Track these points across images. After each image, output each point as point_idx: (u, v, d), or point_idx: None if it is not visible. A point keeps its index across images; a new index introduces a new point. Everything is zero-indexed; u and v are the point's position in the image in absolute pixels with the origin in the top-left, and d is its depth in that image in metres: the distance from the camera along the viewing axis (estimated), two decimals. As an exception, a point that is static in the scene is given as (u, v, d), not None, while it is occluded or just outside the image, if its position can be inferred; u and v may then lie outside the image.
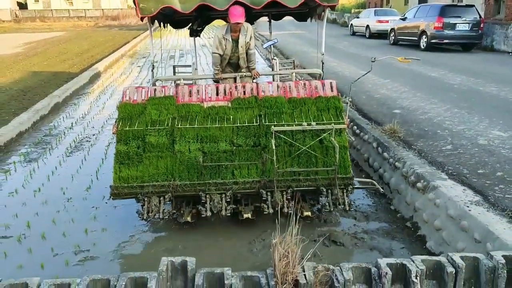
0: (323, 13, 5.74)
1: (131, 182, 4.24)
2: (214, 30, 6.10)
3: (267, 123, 4.49)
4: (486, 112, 7.15)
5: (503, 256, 2.56)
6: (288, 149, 4.37)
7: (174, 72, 7.17)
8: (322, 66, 5.67)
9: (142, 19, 5.19)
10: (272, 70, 6.64)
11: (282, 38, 20.85)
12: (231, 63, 5.81)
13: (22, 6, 58.18)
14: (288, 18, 7.51)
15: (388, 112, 7.47)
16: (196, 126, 4.47)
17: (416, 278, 2.45)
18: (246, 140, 4.45)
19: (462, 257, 2.58)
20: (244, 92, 4.87)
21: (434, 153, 5.40)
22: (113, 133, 4.57)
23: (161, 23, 6.47)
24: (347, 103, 5.33)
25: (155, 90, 4.89)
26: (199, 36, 7.43)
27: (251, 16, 6.80)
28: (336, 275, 2.50)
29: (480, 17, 15.39)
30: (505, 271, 2.49)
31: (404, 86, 9.50)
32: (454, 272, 2.49)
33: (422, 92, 8.90)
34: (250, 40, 5.55)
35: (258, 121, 4.55)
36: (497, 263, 2.52)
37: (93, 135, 8.02)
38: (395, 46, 18.11)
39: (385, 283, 2.46)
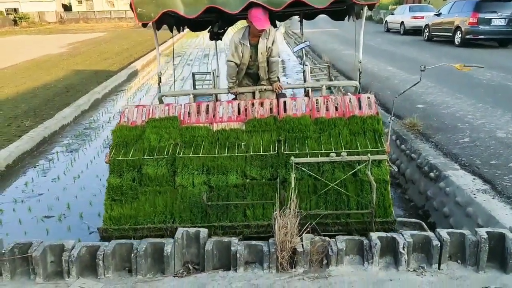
0: (361, 11, 5.04)
1: (123, 223, 3.61)
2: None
3: (287, 152, 3.76)
4: (510, 107, 7.16)
5: (486, 232, 2.76)
6: (312, 183, 3.60)
7: (194, 80, 6.61)
8: (359, 76, 4.94)
9: (144, 25, 4.58)
10: (304, 77, 6.05)
11: (314, 36, 21.05)
12: (249, 74, 5.11)
13: (67, 8, 60.76)
14: (321, 15, 6.67)
15: (411, 106, 7.59)
16: (201, 155, 3.82)
17: (404, 250, 2.70)
18: (261, 172, 3.74)
19: (449, 233, 2.81)
20: (263, 110, 4.18)
21: (451, 145, 5.53)
22: (105, 163, 3.96)
23: (174, 27, 5.86)
24: (389, 121, 4.44)
25: (157, 109, 4.30)
26: (221, 40, 6.75)
27: (278, 16, 6.28)
28: (331, 245, 2.78)
29: (517, 12, 15.04)
30: (487, 245, 2.69)
31: (431, 82, 9.54)
32: (439, 245, 2.73)
33: (449, 87, 8.93)
34: (272, 46, 4.77)
35: (277, 148, 3.83)
36: (480, 238, 2.73)
37: (129, 128, 8.54)
38: (429, 43, 17.93)
39: (375, 253, 2.72)
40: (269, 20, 4.54)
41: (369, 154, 3.46)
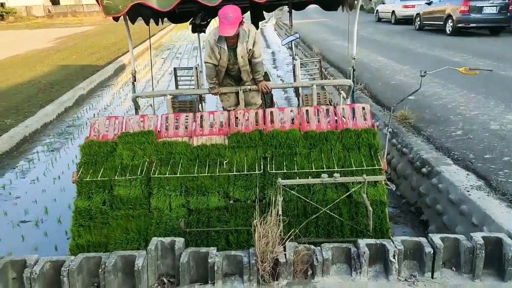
0: (355, 2, 4.91)
1: (92, 252, 3.22)
2: None
3: (274, 171, 3.42)
4: (503, 97, 6.99)
5: (482, 237, 2.57)
6: (302, 205, 3.30)
7: (176, 76, 6.16)
8: (353, 74, 4.61)
9: (116, 19, 4.25)
10: (293, 73, 5.72)
11: (304, 26, 20.79)
12: (231, 75, 4.65)
13: (55, 2, 59.76)
14: (312, 5, 6.20)
15: (402, 97, 7.38)
16: (179, 174, 3.45)
17: (394, 258, 2.51)
18: (245, 193, 3.38)
19: (442, 238, 2.61)
20: (247, 123, 3.81)
21: (443, 138, 5.34)
22: (72, 183, 3.58)
23: (150, 19, 5.53)
24: (386, 133, 3.99)
25: (131, 121, 3.91)
26: (204, 32, 6.22)
27: (266, 7, 5.99)
28: (316, 254, 2.58)
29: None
30: (483, 252, 2.51)
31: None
32: (432, 252, 2.53)
33: (441, 77, 8.73)
34: (253, 47, 4.29)
35: (263, 166, 3.48)
36: (475, 243, 2.54)
37: (113, 125, 8.28)
38: (421, 32, 17.72)
39: (363, 262, 2.53)
40: (238, 24, 4.02)
41: (364, 175, 3.14)
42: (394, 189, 3.46)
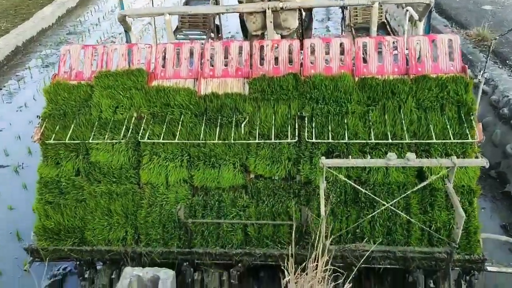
0: None
1: (62, 238, 2.48)
2: None
3: (314, 139, 2.40)
4: None
5: None
6: (351, 189, 2.33)
7: None
8: None
9: None
10: None
11: None
12: None
13: None
14: None
15: (475, 8, 5.84)
16: (178, 138, 2.48)
17: None
18: (272, 168, 2.42)
19: None
20: (276, 60, 2.68)
21: (539, 72, 4.03)
22: (34, 141, 2.62)
23: None
24: (476, 84, 2.57)
25: (114, 53, 2.81)
26: None
27: None
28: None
29: None
30: None
31: (499, -29, 7.51)
32: None
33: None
34: None
35: (297, 130, 2.46)
36: None
37: (119, 34, 7.10)
38: None
39: None
40: None
41: (454, 158, 2.02)
42: (487, 166, 2.27)
